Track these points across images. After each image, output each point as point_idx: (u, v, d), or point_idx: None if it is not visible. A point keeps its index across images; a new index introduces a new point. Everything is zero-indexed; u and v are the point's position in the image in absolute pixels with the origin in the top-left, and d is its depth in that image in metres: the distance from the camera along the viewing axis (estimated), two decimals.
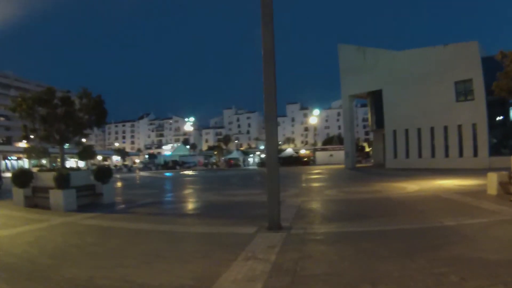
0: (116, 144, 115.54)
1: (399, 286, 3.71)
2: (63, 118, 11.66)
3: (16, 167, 44.04)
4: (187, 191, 16.89)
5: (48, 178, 10.92)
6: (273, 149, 6.93)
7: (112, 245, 6.09)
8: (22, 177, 11.30)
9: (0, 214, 9.78)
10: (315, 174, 25.41)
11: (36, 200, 11.22)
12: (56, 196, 10.31)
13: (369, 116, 38.12)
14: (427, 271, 4.15)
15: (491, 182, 10.29)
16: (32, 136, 12.61)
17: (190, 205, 11.60)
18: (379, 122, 31.99)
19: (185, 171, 46.42)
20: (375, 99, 32.54)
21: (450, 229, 6.28)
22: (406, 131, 28.19)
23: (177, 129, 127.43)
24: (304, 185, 17.00)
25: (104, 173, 11.77)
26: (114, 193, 13.10)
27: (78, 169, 13.92)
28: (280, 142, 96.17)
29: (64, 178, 10.29)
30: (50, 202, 10.46)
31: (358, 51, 32.76)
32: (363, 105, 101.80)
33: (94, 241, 6.46)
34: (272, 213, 6.74)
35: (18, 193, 11.30)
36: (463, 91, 25.05)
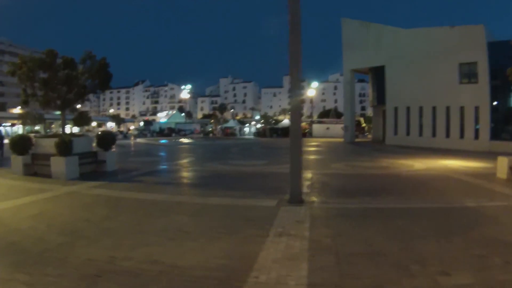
0: (111, 111, 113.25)
1: (448, 268, 3.57)
2: (65, 82, 10.94)
3: (10, 133, 42.91)
4: (190, 159, 16.57)
5: (49, 145, 10.37)
6: (297, 121, 6.66)
7: (127, 219, 5.64)
8: (21, 143, 10.68)
9: None
10: (316, 147, 25.23)
11: (36, 168, 10.68)
12: (58, 164, 9.84)
13: (370, 91, 37.54)
14: (468, 252, 4.05)
15: (501, 166, 10.14)
16: (30, 102, 11.88)
17: (198, 174, 11.26)
18: (380, 98, 31.54)
19: (181, 138, 45.99)
20: (377, 75, 31.90)
21: (473, 210, 6.21)
22: (408, 108, 27.87)
23: (172, 96, 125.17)
24: (308, 157, 16.77)
25: (107, 140, 11.34)
26: (116, 160, 12.67)
27: (80, 135, 13.39)
28: (275, 113, 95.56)
29: (66, 144, 9.79)
30: (51, 170, 9.96)
31: (362, 26, 31.87)
32: (360, 80, 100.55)
33: (106, 213, 5.98)
34: (294, 186, 6.56)
35: (17, 160, 10.67)
36: (467, 74, 24.66)
